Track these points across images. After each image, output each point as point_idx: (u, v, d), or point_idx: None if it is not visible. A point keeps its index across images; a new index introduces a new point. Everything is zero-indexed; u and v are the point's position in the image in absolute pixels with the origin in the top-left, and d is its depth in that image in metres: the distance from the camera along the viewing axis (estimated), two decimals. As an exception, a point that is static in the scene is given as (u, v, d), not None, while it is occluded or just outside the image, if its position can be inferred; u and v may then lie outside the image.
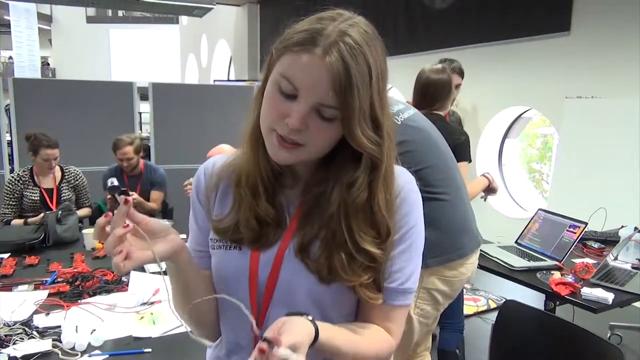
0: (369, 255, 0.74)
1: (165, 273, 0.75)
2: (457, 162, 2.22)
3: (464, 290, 3.57)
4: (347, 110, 0.67)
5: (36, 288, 1.93)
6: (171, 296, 0.84)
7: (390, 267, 0.78)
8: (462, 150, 2.24)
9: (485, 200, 2.48)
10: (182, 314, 0.84)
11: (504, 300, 1.84)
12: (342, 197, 0.74)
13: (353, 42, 0.67)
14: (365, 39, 0.69)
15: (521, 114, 5.20)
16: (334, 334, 0.72)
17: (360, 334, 0.78)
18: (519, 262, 2.24)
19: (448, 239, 1.65)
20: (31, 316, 1.66)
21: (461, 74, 3.26)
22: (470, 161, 2.30)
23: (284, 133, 0.70)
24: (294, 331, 0.64)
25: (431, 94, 2.27)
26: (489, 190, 2.44)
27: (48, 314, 1.68)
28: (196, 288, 0.80)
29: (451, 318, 2.46)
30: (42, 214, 2.86)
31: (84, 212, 3.29)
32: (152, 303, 1.78)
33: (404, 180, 0.80)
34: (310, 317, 0.69)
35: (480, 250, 2.38)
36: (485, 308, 3.42)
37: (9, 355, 1.38)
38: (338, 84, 0.66)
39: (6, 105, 4.34)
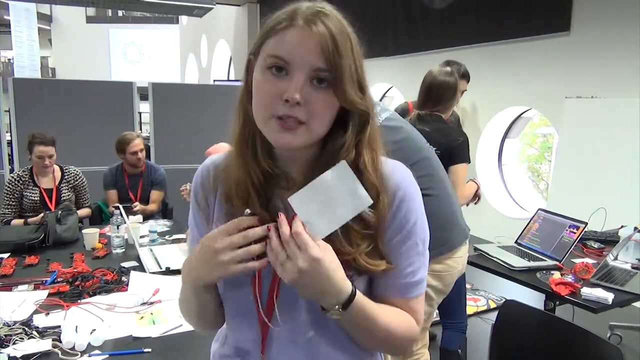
0: (362, 219, 0.74)
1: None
2: (456, 163, 2.22)
3: (466, 290, 3.57)
4: (338, 69, 0.70)
5: (36, 288, 1.93)
6: (181, 299, 0.86)
7: (400, 263, 0.79)
8: (460, 151, 2.24)
9: (467, 205, 2.47)
10: (188, 317, 0.88)
11: (504, 300, 1.84)
12: (332, 164, 0.74)
13: (329, 13, 0.72)
14: (338, 13, 0.74)
15: (521, 114, 5.20)
16: (369, 301, 0.75)
17: (391, 310, 0.80)
18: (519, 262, 2.23)
19: (436, 233, 1.65)
20: (31, 316, 1.65)
21: (467, 78, 3.24)
22: (469, 162, 2.30)
23: (285, 111, 0.70)
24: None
25: (435, 95, 2.28)
26: (474, 195, 2.43)
27: (48, 313, 1.68)
28: (212, 304, 0.83)
29: (454, 318, 2.46)
30: (42, 214, 2.86)
31: (84, 212, 3.29)
32: (152, 303, 1.78)
33: (401, 176, 0.80)
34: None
35: (480, 250, 2.40)
36: (485, 308, 3.42)
37: (9, 355, 1.38)
38: (326, 47, 0.69)
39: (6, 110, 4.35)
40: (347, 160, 0.74)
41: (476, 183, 2.42)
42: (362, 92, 0.74)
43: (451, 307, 2.37)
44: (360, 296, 0.73)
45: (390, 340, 0.79)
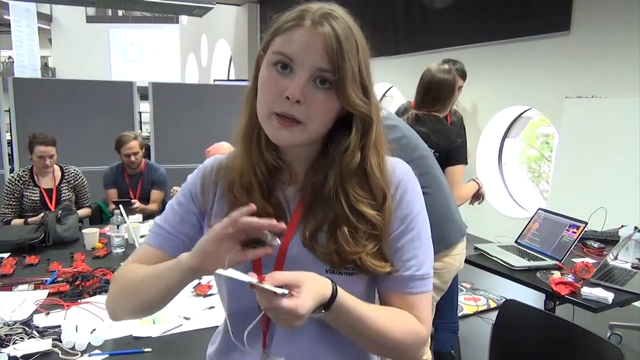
0: (368, 221, 0.75)
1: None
2: (453, 165, 2.22)
3: (463, 290, 3.58)
4: (341, 72, 0.71)
5: (36, 288, 1.93)
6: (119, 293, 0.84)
7: (403, 255, 0.79)
8: (458, 153, 2.23)
9: (472, 204, 2.46)
10: (132, 307, 0.83)
11: (504, 299, 1.84)
12: (337, 166, 0.76)
13: (338, 16, 0.73)
14: (347, 16, 0.75)
15: (521, 114, 5.20)
16: (357, 301, 0.72)
17: (387, 311, 0.78)
18: (519, 262, 2.23)
19: (432, 231, 1.66)
20: (31, 316, 1.65)
21: (463, 76, 3.24)
22: (466, 164, 2.29)
23: (284, 109, 0.72)
24: (296, 275, 0.65)
25: (433, 93, 2.27)
26: (477, 195, 2.42)
27: (48, 313, 1.68)
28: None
29: (445, 318, 2.45)
30: (42, 214, 2.86)
31: (84, 212, 3.28)
32: (152, 303, 1.78)
33: (402, 171, 0.82)
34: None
35: (480, 250, 2.40)
36: (485, 308, 3.42)
37: (9, 355, 1.38)
38: (330, 48, 0.71)
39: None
40: (353, 163, 0.75)
41: (477, 182, 2.41)
42: (365, 95, 0.75)
43: (443, 307, 2.35)
44: (343, 297, 0.69)
45: (388, 343, 0.75)
